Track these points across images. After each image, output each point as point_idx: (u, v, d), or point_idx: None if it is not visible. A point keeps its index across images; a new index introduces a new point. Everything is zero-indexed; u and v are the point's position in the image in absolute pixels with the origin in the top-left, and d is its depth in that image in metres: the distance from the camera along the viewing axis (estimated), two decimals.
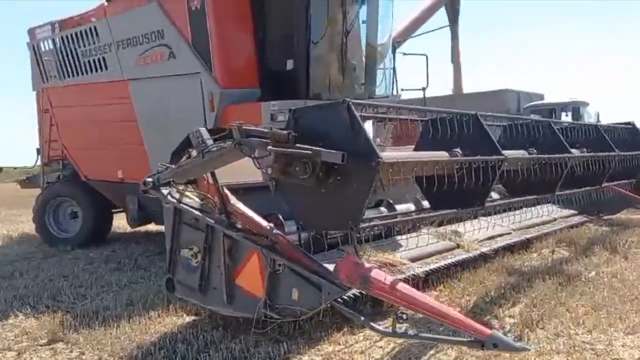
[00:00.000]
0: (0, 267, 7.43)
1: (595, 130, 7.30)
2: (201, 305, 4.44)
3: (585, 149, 7.21)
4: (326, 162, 3.50)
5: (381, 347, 4.00)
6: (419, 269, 5.08)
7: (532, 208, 7.77)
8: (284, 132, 3.64)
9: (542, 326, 4.23)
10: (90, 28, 8.15)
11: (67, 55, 8.54)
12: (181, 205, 4.29)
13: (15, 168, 15.37)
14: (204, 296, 4.29)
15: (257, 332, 4.20)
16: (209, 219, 4.14)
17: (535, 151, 6.01)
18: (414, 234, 5.87)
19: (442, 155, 4.52)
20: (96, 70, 8.18)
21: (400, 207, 6.13)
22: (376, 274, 3.33)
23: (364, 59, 7.91)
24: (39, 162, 10.10)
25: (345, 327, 4.32)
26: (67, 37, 8.53)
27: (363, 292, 3.65)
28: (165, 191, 4.39)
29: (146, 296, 5.45)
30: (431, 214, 5.11)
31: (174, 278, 4.49)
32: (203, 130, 4.24)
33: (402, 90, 8.76)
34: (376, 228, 5.61)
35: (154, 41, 7.35)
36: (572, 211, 8.35)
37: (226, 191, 4.12)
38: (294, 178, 3.60)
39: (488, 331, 3.02)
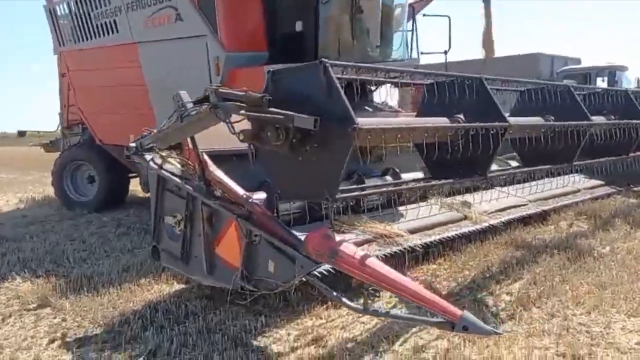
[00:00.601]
0: (15, 229, 7.52)
1: (624, 96, 6.84)
2: (184, 274, 4.34)
3: (613, 116, 6.81)
4: (300, 128, 3.29)
5: (363, 322, 3.83)
6: (418, 241, 4.86)
7: (555, 178, 7.44)
8: (258, 95, 3.44)
9: (539, 305, 3.98)
10: None
11: (81, 19, 8.44)
12: (162, 171, 4.16)
13: (39, 132, 15.54)
14: (187, 265, 4.18)
15: (239, 304, 4.10)
16: (188, 187, 4.00)
17: (553, 118, 5.68)
18: (420, 204, 5.65)
19: (435, 121, 4.24)
20: (108, 34, 8.05)
21: (406, 176, 5.88)
22: (346, 248, 3.13)
23: (379, 20, 7.55)
24: (60, 127, 10.17)
25: (326, 301, 4.16)
26: (81, 0, 8.42)
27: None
28: (148, 157, 4.27)
29: (143, 262, 5.40)
30: (420, 185, 4.91)
31: (159, 246, 4.39)
32: (183, 94, 4.06)
33: (422, 53, 8.39)
34: (380, 198, 5.47)
35: (162, 3, 7.17)
36: (599, 182, 7.93)
37: (205, 157, 3.96)
38: (267, 144, 3.42)
39: (459, 313, 2.80)
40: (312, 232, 3.33)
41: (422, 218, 5.36)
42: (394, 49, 7.79)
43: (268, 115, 3.34)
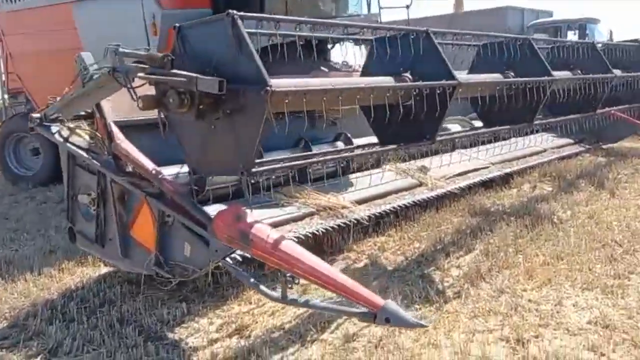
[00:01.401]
0: None
1: (591, 49, 6.45)
2: (102, 258, 3.94)
3: (579, 71, 6.44)
4: (208, 92, 2.86)
5: (294, 309, 3.46)
6: (365, 212, 4.49)
7: (522, 138, 7.12)
8: (160, 54, 2.99)
9: (489, 279, 3.65)
10: None
11: None
12: (67, 145, 3.70)
13: None
14: (102, 248, 3.77)
15: (162, 289, 3.72)
16: (96, 162, 3.56)
17: (512, 74, 5.28)
18: (372, 172, 5.27)
19: (372, 81, 3.82)
20: None
21: (360, 141, 5.47)
22: (258, 230, 2.72)
23: None
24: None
25: (265, 283, 3.78)
26: None
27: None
28: (54, 129, 3.81)
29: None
30: (353, 154, 4.54)
31: (75, 227, 3.97)
32: (86, 55, 3.59)
33: (381, 8, 7.89)
34: (330, 165, 5.08)
35: None
36: (567, 140, 7.62)
37: (113, 128, 3.51)
38: (172, 112, 2.98)
39: (381, 303, 2.44)
40: (220, 212, 2.92)
41: (373, 187, 4.99)
42: (351, 3, 7.29)
43: (168, 78, 2.89)
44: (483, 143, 6.58)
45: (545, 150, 7.07)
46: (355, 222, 4.31)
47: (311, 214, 4.30)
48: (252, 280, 2.91)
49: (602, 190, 5.60)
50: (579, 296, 3.35)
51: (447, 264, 3.96)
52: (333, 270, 2.65)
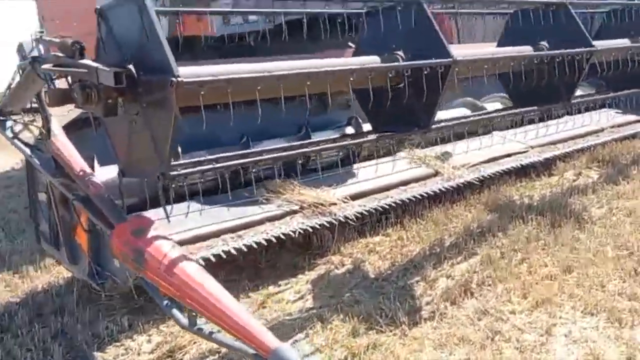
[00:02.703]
0: None
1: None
2: (59, 260, 3.70)
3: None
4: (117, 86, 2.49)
5: None
6: (357, 209, 4.00)
7: (580, 115, 6.30)
8: (72, 41, 2.64)
9: (477, 295, 3.09)
10: None
11: None
12: (15, 141, 3.45)
13: None
14: (58, 251, 3.53)
15: (117, 298, 3.43)
16: (36, 161, 3.29)
17: (547, 46, 4.57)
18: (381, 160, 4.75)
19: (321, 64, 3.26)
20: None
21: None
22: (155, 249, 2.32)
23: None
24: None
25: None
26: None
27: None
28: (9, 123, 3.58)
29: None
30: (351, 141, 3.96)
31: (40, 227, 3.76)
32: (26, 42, 3.30)
33: None
34: (332, 153, 4.62)
35: None
36: (635, 117, 6.67)
37: (53, 123, 3.21)
38: (81, 107, 2.64)
39: (272, 346, 1.99)
40: (119, 225, 2.54)
41: (377, 178, 4.48)
42: None
43: (70, 69, 2.54)
44: (531, 122, 5.89)
45: (602, 130, 6.19)
46: (343, 221, 3.85)
47: (293, 212, 3.88)
48: (165, 302, 2.52)
49: None
50: (577, 323, 2.73)
51: (437, 273, 3.41)
52: (231, 306, 2.18)
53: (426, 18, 3.50)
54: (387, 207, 4.13)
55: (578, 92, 6.63)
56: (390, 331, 2.83)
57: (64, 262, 3.53)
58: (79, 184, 2.91)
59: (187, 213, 3.46)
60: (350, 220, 3.86)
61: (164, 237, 2.43)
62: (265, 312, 3.15)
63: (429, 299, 3.12)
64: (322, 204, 3.94)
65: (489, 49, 4.40)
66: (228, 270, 3.68)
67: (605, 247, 3.46)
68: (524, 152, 5.38)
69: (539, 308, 2.87)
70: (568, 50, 4.23)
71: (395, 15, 3.62)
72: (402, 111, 3.71)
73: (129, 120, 2.63)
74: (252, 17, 5.47)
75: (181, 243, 3.22)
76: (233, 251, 3.36)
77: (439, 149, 5.11)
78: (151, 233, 2.41)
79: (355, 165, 4.70)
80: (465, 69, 3.63)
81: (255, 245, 3.46)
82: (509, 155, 5.25)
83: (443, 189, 4.45)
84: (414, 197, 4.27)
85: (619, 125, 6.35)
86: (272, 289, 3.49)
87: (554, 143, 5.64)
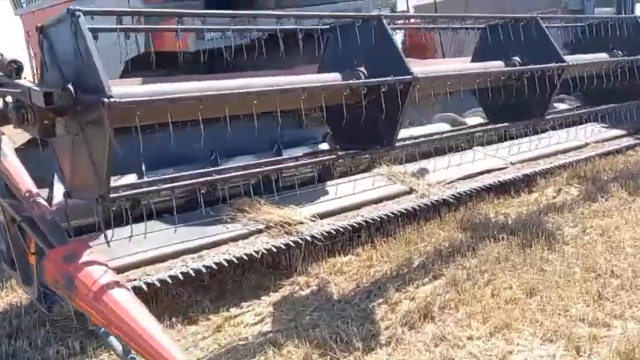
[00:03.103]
0: None
1: (633, 25, 5.47)
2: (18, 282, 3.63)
3: (620, 52, 5.50)
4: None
5: (204, 347, 2.98)
6: (324, 227, 3.92)
7: (565, 130, 6.25)
8: (9, 59, 2.59)
9: (438, 320, 2.99)
10: None
11: None
12: None
13: None
14: (15, 272, 3.45)
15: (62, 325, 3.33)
16: None
17: (519, 61, 4.50)
18: (358, 177, 4.70)
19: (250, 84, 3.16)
20: None
21: None
22: (86, 275, 2.24)
23: None
24: None
25: (186, 313, 3.34)
26: None
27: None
28: None
29: None
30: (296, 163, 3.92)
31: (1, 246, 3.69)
32: None
33: None
34: (307, 169, 4.57)
35: None
36: (619, 132, 6.57)
37: (3, 141, 3.14)
38: (21, 128, 2.58)
39: None
40: (53, 249, 2.47)
41: (350, 195, 4.42)
42: None
43: (6, 90, 2.48)
44: (507, 139, 5.83)
45: (586, 145, 6.12)
46: (310, 240, 3.77)
47: (258, 232, 3.82)
48: (102, 329, 2.44)
49: (637, 197, 4.66)
50: (534, 351, 2.63)
51: (400, 295, 3.33)
52: (156, 337, 2.09)
53: (386, 34, 3.43)
54: (356, 225, 4.06)
55: (563, 106, 6.63)
56: (344, 357, 2.74)
57: (20, 283, 3.46)
58: (25, 205, 2.84)
59: (145, 234, 3.39)
60: (318, 239, 3.80)
61: (97, 263, 2.35)
62: (219, 337, 3.07)
63: (389, 323, 3.03)
64: (288, 223, 3.88)
65: (455, 65, 4.34)
66: (193, 289, 3.61)
67: (573, 268, 3.37)
68: (504, 168, 5.32)
69: (497, 334, 2.78)
70: (537, 66, 4.16)
71: (356, 31, 3.56)
72: (365, 129, 3.64)
73: (71, 140, 2.57)
74: (227, 32, 5.44)
75: (132, 266, 3.20)
76: (192, 272, 3.32)
77: (416, 165, 5.06)
78: (84, 258, 2.33)
79: (329, 182, 4.65)
80: (427, 86, 3.55)
81: (215, 267, 3.40)
82: (488, 172, 5.19)
83: (416, 207, 4.38)
84: (386, 215, 4.21)
85: (604, 140, 6.29)
86: (233, 310, 3.40)
87: (535, 159, 5.58)
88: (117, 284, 2.25)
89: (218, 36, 5.58)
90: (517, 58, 4.48)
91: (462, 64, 4.42)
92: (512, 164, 5.39)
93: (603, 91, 5.38)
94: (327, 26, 3.97)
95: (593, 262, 3.42)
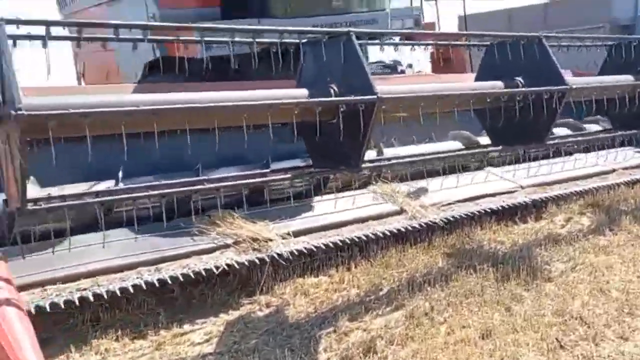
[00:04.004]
0: None
1: None
2: None
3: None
4: None
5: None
6: (297, 246, 3.81)
7: (594, 153, 5.92)
8: None
9: (381, 355, 2.82)
10: None
11: None
12: None
13: None
14: None
15: None
16: None
17: (522, 82, 4.25)
18: (346, 194, 4.56)
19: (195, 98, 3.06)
20: None
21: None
22: None
23: None
24: None
25: (139, 326, 3.28)
26: None
27: None
28: None
29: None
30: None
31: None
32: None
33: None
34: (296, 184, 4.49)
35: None
36: None
37: None
38: None
39: None
40: None
41: (336, 213, 4.30)
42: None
43: None
44: (528, 160, 5.53)
45: (613, 171, 5.73)
46: (277, 258, 3.67)
47: (225, 247, 3.75)
48: None
49: None
50: None
51: (354, 324, 3.17)
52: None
53: (354, 51, 3.28)
54: (331, 245, 3.92)
55: (595, 128, 6.22)
56: None
57: None
58: None
59: (104, 243, 3.39)
60: (284, 258, 3.69)
61: None
62: (156, 356, 2.99)
63: (329, 355, 2.88)
64: (257, 239, 3.79)
65: (433, 85, 4.11)
66: (159, 300, 3.55)
67: (543, 310, 3.11)
68: (512, 192, 5.04)
69: None
70: (534, 89, 3.92)
71: (327, 47, 3.43)
72: (335, 148, 3.51)
73: (2, 149, 2.57)
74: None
75: (82, 276, 3.20)
76: (144, 286, 3.28)
77: (416, 184, 4.86)
78: None
79: (317, 198, 4.54)
80: (394, 108, 3.37)
81: (169, 281, 3.35)
82: (493, 195, 4.92)
83: (402, 229, 4.19)
84: (366, 236, 4.05)
85: (635, 167, 5.85)
86: (186, 327, 3.33)
87: (550, 184, 5.26)
88: (7, 301, 2.21)
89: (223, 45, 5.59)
90: (519, 79, 4.23)
91: (441, 84, 4.19)
92: (522, 187, 5.11)
93: (629, 115, 5.02)
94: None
95: (567, 305, 3.14)
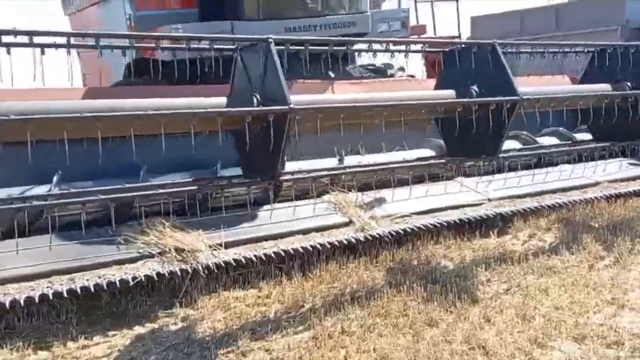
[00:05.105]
0: None
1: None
2: None
3: (628, 84, 4.84)
4: None
5: None
6: (225, 257, 3.72)
7: (582, 164, 5.65)
8: None
9: None
10: None
11: None
12: None
13: None
14: None
15: None
16: None
17: (476, 90, 4.05)
18: (300, 203, 4.43)
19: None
20: None
21: (294, 165, 4.56)
22: None
23: None
24: None
25: (47, 337, 3.23)
26: None
27: None
28: None
29: None
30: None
31: None
32: None
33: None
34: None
35: None
36: None
37: None
38: None
39: None
40: None
41: (277, 223, 4.18)
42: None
43: None
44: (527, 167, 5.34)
45: (596, 184, 5.42)
46: (200, 270, 3.58)
47: (149, 257, 3.68)
48: None
49: (608, 254, 4.02)
50: None
51: (257, 344, 3.05)
52: None
53: (272, 60, 3.16)
54: (263, 257, 3.81)
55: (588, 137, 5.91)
56: None
57: None
58: None
59: (17, 250, 3.38)
60: (210, 270, 3.61)
61: None
62: None
63: None
64: (182, 250, 3.71)
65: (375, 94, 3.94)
66: (79, 309, 3.49)
67: (453, 336, 2.92)
68: (478, 204, 4.81)
69: None
70: (481, 99, 3.76)
71: (249, 54, 3.32)
72: (258, 159, 3.40)
73: None
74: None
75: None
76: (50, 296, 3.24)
77: (375, 194, 4.71)
78: None
79: (266, 207, 4.41)
80: (311, 117, 3.23)
81: (79, 291, 3.30)
82: (456, 207, 4.71)
83: (344, 242, 4.05)
84: (304, 248, 3.92)
85: (622, 180, 5.53)
86: (96, 339, 3.26)
87: (521, 196, 5.01)
88: None
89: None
90: (475, 87, 4.02)
91: (380, 94, 4.02)
92: (489, 200, 4.88)
93: (605, 126, 4.75)
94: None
95: (481, 332, 2.95)
